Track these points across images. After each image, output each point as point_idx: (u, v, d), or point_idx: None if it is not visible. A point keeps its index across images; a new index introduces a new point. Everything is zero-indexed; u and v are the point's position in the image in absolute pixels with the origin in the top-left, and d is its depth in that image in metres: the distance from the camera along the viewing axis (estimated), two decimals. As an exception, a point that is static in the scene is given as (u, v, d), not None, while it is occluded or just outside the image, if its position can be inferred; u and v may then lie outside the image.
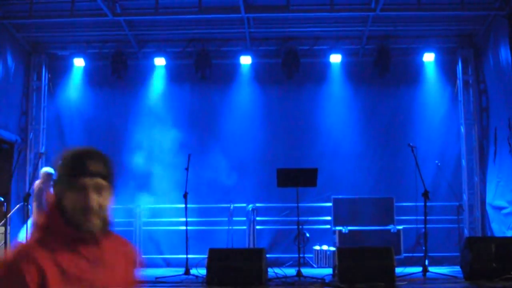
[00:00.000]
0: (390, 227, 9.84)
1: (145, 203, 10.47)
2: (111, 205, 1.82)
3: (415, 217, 9.94)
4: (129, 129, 11.06)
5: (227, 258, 7.16)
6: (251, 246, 9.93)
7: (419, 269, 7.75)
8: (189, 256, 8.16)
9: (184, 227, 8.26)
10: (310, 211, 10.48)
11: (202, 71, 10.94)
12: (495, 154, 10.13)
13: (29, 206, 8.52)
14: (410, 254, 9.92)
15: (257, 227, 10.38)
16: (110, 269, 1.81)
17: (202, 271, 7.50)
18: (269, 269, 7.61)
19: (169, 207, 10.32)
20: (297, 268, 7.73)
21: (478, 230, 10.69)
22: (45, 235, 1.75)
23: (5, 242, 8.63)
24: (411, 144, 8.28)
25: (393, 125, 11.11)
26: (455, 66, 11.24)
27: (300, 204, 8.21)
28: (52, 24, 10.52)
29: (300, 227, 8.79)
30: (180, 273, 8.03)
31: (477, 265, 6.97)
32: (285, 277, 7.52)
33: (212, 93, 11.36)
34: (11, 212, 9.69)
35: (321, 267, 9.82)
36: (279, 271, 7.89)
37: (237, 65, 11.32)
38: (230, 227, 10.16)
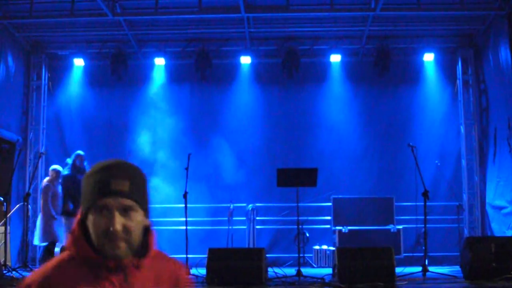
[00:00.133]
0: (390, 227, 9.84)
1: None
2: (145, 226, 1.62)
3: (415, 217, 9.95)
4: (129, 129, 11.07)
5: (227, 258, 7.16)
6: (251, 246, 9.94)
7: (419, 269, 7.75)
8: (189, 256, 8.16)
9: (184, 227, 8.26)
10: (310, 211, 10.49)
11: (202, 71, 10.95)
12: (494, 154, 10.13)
13: (29, 206, 8.53)
14: (410, 254, 9.92)
15: (257, 227, 10.38)
16: None
17: (202, 271, 7.50)
18: (269, 269, 7.61)
19: (169, 207, 10.32)
20: (297, 268, 7.73)
21: (478, 230, 10.69)
22: (67, 259, 1.57)
23: (5, 242, 8.64)
24: (411, 144, 8.28)
25: (393, 125, 11.11)
26: (455, 66, 11.24)
27: (300, 204, 8.21)
28: (52, 24, 10.53)
29: (300, 226, 8.79)
30: (180, 273, 8.00)
31: (477, 265, 6.97)
32: (285, 276, 7.52)
33: (212, 93, 11.36)
34: (11, 212, 9.70)
35: (321, 267, 9.83)
36: (279, 271, 7.89)
37: (237, 65, 11.33)
38: (230, 227, 10.16)
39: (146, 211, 1.62)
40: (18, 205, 10.01)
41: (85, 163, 9.27)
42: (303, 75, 11.13)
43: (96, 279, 1.53)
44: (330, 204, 10.10)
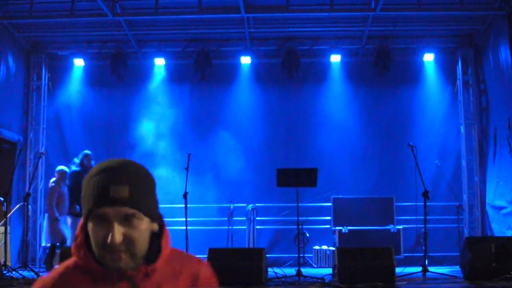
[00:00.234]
0: (390, 227, 9.84)
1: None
2: (153, 231, 1.50)
3: (415, 217, 9.93)
4: (129, 129, 11.07)
5: (227, 258, 7.16)
6: (251, 246, 9.94)
7: (419, 269, 7.74)
8: (189, 256, 8.15)
9: (184, 227, 8.26)
10: (310, 211, 10.49)
11: (202, 71, 10.95)
12: (494, 154, 10.13)
13: (29, 206, 8.53)
14: (410, 254, 9.92)
15: (257, 227, 10.39)
16: None
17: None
18: (269, 269, 7.61)
19: (169, 207, 10.32)
20: (297, 268, 7.72)
21: (478, 230, 10.69)
22: (72, 267, 1.49)
23: (5, 242, 8.64)
24: (411, 144, 8.28)
25: (393, 125, 11.11)
26: (455, 66, 11.24)
27: (300, 204, 8.21)
28: (52, 24, 10.52)
29: (300, 227, 8.79)
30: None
31: (477, 265, 6.97)
32: (285, 277, 7.52)
33: (212, 93, 11.36)
34: (11, 212, 9.70)
35: (321, 267, 9.83)
36: (279, 271, 7.89)
37: (237, 65, 11.33)
38: (230, 227, 10.16)
39: (153, 216, 1.49)
40: (18, 205, 10.01)
41: (92, 163, 9.29)
42: (303, 75, 11.14)
43: None
44: (330, 204, 10.10)
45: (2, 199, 9.25)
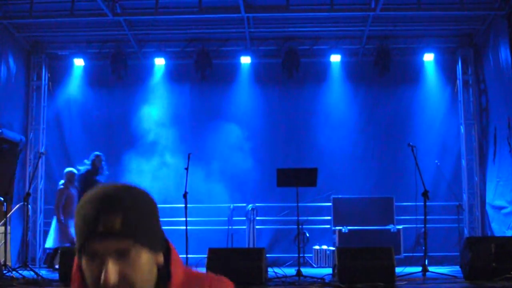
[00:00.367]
0: (390, 227, 9.84)
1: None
2: (157, 263, 1.31)
3: (415, 217, 9.94)
4: (128, 129, 11.06)
5: (227, 258, 7.16)
6: (251, 246, 9.93)
7: (419, 269, 7.75)
8: (189, 256, 8.16)
9: (184, 227, 8.26)
10: (310, 211, 10.49)
11: (202, 71, 10.95)
12: (494, 154, 10.13)
13: (29, 206, 8.53)
14: (410, 254, 9.93)
15: (257, 227, 10.38)
16: None
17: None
18: (269, 269, 7.61)
19: (169, 207, 10.32)
20: (297, 268, 7.72)
21: (478, 230, 10.69)
22: None
23: (5, 242, 8.64)
24: (411, 144, 8.28)
25: (393, 125, 11.11)
26: (455, 66, 11.24)
27: (300, 204, 8.21)
28: (52, 24, 10.52)
29: (300, 226, 8.79)
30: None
31: (477, 265, 6.97)
32: (285, 276, 7.52)
33: (212, 93, 11.36)
34: (11, 212, 9.70)
35: (321, 266, 9.83)
36: (279, 271, 7.89)
37: (237, 65, 11.33)
38: (230, 227, 10.16)
39: (155, 246, 1.29)
40: (18, 205, 10.01)
41: (103, 164, 9.32)
42: (303, 75, 11.14)
43: None
44: (330, 204, 10.10)
45: (2, 199, 9.25)
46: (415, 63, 11.22)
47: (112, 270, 1.19)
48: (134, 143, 10.79)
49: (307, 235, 10.22)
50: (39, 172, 10.80)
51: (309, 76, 11.32)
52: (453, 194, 10.53)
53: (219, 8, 9.90)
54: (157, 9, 9.71)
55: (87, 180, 9.02)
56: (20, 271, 7.78)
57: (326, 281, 7.23)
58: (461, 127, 11.07)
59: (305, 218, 9.82)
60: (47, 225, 10.90)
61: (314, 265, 10.04)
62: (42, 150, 10.72)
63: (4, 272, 7.64)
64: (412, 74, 11.25)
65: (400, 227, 9.87)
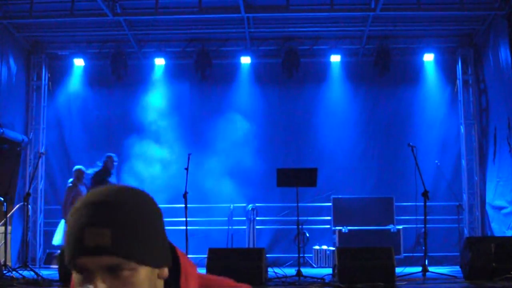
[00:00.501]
0: (390, 227, 9.84)
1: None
2: (159, 276, 1.14)
3: (415, 217, 9.93)
4: (128, 129, 11.05)
5: (227, 258, 7.16)
6: (251, 246, 9.94)
7: (419, 269, 7.75)
8: (189, 256, 8.13)
9: (184, 227, 8.26)
10: (310, 211, 10.49)
11: (202, 71, 10.95)
12: (494, 154, 10.13)
13: (29, 206, 8.52)
14: (410, 254, 9.93)
15: (257, 227, 10.38)
16: None
17: (202, 271, 7.48)
18: (269, 269, 7.61)
19: (169, 207, 10.32)
20: (297, 268, 7.72)
21: (478, 230, 10.69)
22: None
23: (5, 242, 8.64)
24: (411, 144, 8.28)
25: (393, 125, 11.11)
26: (455, 66, 11.24)
27: (300, 204, 8.21)
28: (52, 24, 10.53)
29: (300, 227, 8.79)
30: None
31: (477, 265, 6.97)
32: (285, 277, 7.52)
33: (212, 93, 11.36)
34: (11, 212, 9.70)
35: (321, 267, 9.83)
36: (279, 271, 7.89)
37: (237, 65, 11.33)
38: (230, 227, 10.16)
39: (157, 262, 1.11)
40: (18, 205, 10.01)
41: (115, 165, 9.34)
42: (303, 75, 11.14)
43: None
44: (330, 204, 10.10)
45: (2, 199, 9.25)
46: (415, 63, 11.22)
47: (101, 286, 1.04)
48: (133, 143, 10.78)
49: (307, 235, 10.22)
50: (39, 172, 10.80)
51: (309, 76, 11.32)
52: (453, 194, 10.52)
53: (219, 8, 9.90)
54: (157, 9, 9.71)
55: (98, 181, 9.01)
56: (20, 271, 7.78)
57: (326, 281, 7.23)
58: (461, 127, 11.07)
59: (305, 218, 9.83)
60: (47, 225, 10.92)
61: (314, 265, 10.04)
62: (42, 150, 10.73)
63: (4, 272, 7.64)
64: (412, 74, 11.25)
65: (400, 227, 9.87)
